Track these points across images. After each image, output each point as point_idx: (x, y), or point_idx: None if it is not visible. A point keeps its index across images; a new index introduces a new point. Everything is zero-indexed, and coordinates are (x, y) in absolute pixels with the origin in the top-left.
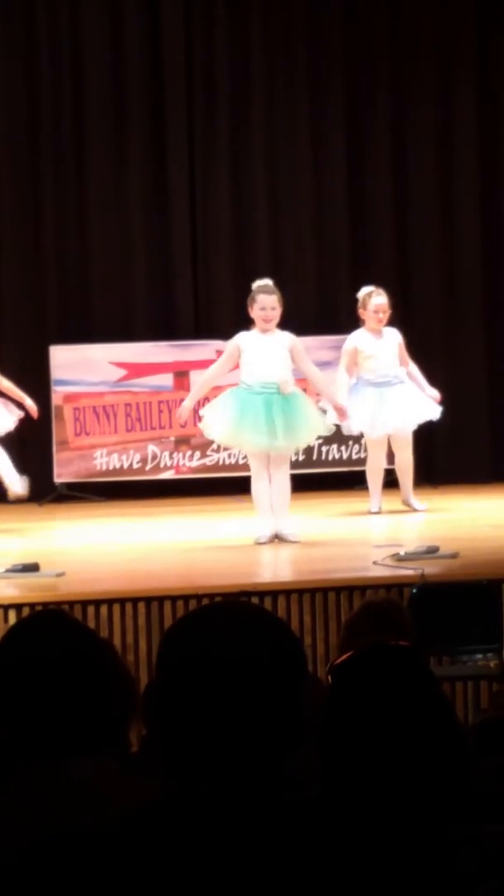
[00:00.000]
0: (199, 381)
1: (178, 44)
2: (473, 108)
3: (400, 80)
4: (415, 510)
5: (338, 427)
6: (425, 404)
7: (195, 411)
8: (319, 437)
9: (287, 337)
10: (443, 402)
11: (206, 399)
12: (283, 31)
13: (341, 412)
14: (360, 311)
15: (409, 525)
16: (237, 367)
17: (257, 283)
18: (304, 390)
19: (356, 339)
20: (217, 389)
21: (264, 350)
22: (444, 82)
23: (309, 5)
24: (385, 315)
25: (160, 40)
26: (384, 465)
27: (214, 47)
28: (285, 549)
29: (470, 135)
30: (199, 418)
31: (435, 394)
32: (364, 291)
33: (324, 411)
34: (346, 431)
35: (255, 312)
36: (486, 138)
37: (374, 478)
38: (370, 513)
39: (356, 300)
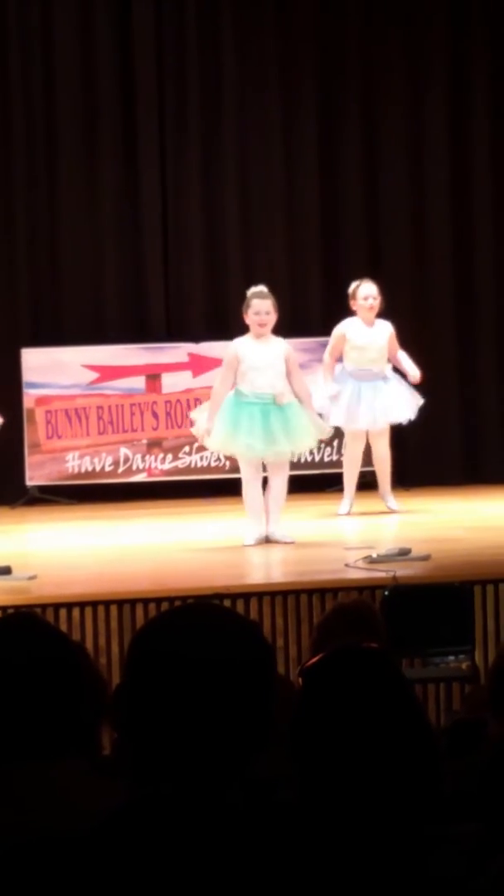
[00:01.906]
0: (213, 398)
1: (149, 48)
2: (445, 112)
3: (372, 83)
4: (390, 510)
5: None
6: (401, 405)
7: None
8: (320, 442)
9: (282, 345)
10: (422, 386)
11: (198, 401)
12: (254, 33)
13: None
14: (352, 302)
15: (381, 527)
16: None
17: (252, 290)
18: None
19: (346, 327)
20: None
21: (260, 360)
22: (416, 86)
23: (280, 9)
24: (375, 302)
25: (131, 42)
26: (360, 458)
27: (186, 50)
28: (258, 551)
29: (441, 140)
30: (191, 423)
31: (416, 374)
32: (353, 284)
33: (320, 415)
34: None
35: (249, 318)
36: (458, 143)
37: (350, 471)
38: (338, 515)
39: (329, 303)
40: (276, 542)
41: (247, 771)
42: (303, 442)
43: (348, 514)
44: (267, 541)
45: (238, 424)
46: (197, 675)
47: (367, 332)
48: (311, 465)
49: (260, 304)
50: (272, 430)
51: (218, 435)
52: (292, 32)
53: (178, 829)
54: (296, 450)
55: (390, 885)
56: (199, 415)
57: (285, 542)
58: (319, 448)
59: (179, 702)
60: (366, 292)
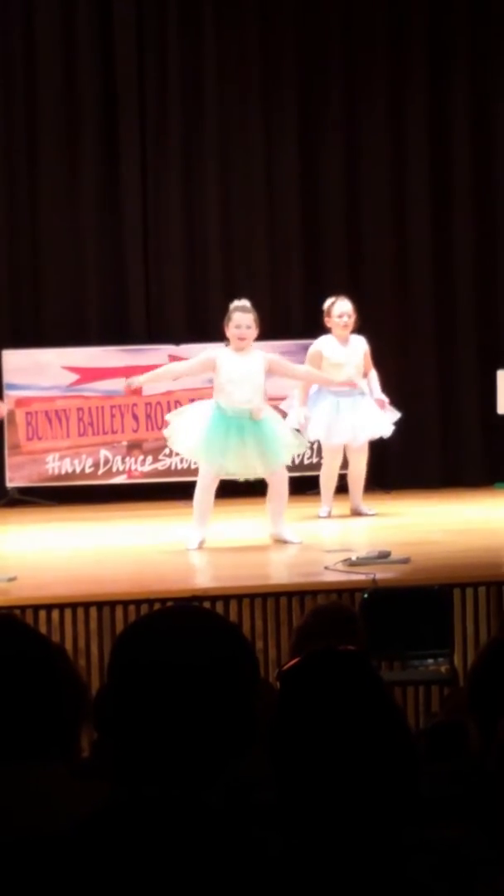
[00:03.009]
0: (165, 367)
1: (130, 51)
2: (425, 112)
3: (353, 84)
4: (364, 514)
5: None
6: (379, 420)
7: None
8: (298, 455)
9: (261, 357)
10: (396, 407)
11: (178, 403)
12: (236, 39)
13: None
14: (326, 319)
15: (360, 530)
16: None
17: (235, 303)
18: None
19: (322, 345)
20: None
21: (239, 373)
22: (397, 86)
23: (262, 9)
24: (350, 319)
25: (112, 46)
26: (337, 472)
27: (167, 52)
28: (237, 553)
29: (422, 149)
30: (165, 423)
31: (383, 398)
32: (328, 301)
33: (297, 430)
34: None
35: (230, 331)
36: (439, 152)
37: (327, 483)
38: (319, 517)
39: (309, 306)
40: (287, 542)
41: (229, 773)
42: (276, 460)
43: (328, 516)
44: (277, 541)
45: (212, 440)
46: (177, 678)
47: (342, 349)
48: (291, 467)
49: (241, 318)
50: (246, 449)
51: (189, 442)
52: (273, 39)
53: (158, 831)
54: (269, 469)
55: (367, 888)
56: (174, 417)
57: (294, 542)
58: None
59: (160, 704)
60: (340, 310)
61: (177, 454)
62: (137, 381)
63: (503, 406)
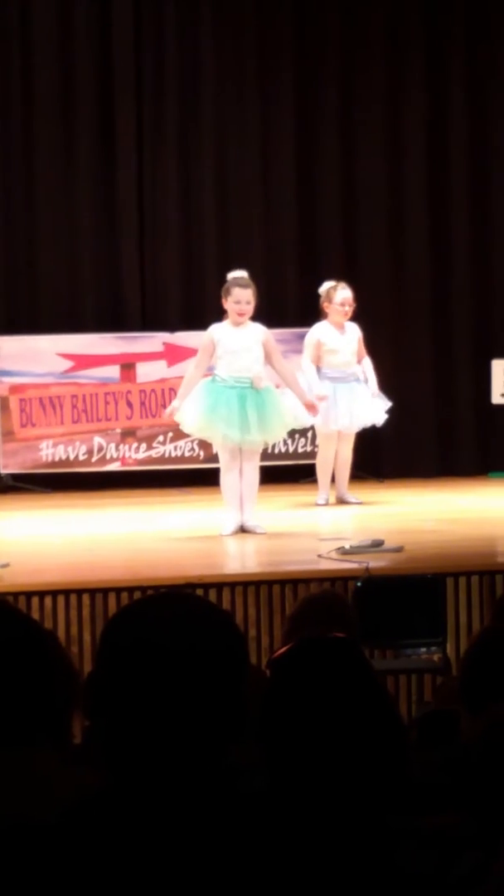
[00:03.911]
0: (185, 380)
1: (127, 37)
2: (422, 104)
3: (350, 75)
4: (349, 503)
5: None
6: (374, 408)
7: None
8: (295, 431)
9: (261, 330)
10: (390, 396)
11: (173, 391)
12: (233, 28)
13: (311, 408)
14: (325, 304)
15: (354, 518)
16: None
17: (232, 275)
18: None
19: (319, 332)
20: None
21: (238, 344)
22: (394, 78)
23: (259, 6)
24: (350, 308)
25: (109, 32)
26: (333, 458)
27: (164, 41)
28: (231, 541)
29: (419, 134)
30: (172, 411)
31: (375, 390)
32: (327, 285)
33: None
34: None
35: (228, 305)
36: (436, 130)
37: (324, 470)
38: (317, 505)
39: (305, 294)
40: (250, 531)
41: (219, 760)
42: (276, 431)
43: (326, 503)
44: (242, 530)
45: (216, 412)
46: (169, 664)
47: (339, 336)
48: (286, 455)
49: (241, 294)
50: (248, 417)
51: (195, 420)
52: (271, 27)
53: (148, 818)
54: (269, 439)
55: (356, 874)
56: (181, 402)
57: (258, 533)
58: (293, 439)
59: (151, 690)
60: (343, 297)
61: (171, 441)
62: (174, 405)
63: (497, 396)
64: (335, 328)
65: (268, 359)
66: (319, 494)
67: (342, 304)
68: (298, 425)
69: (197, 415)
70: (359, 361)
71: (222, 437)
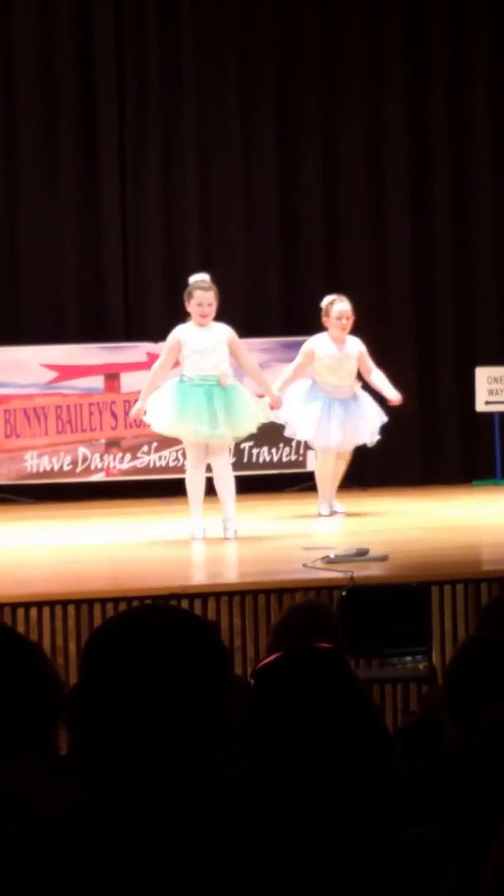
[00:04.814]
0: (147, 379)
1: (108, 43)
2: (404, 108)
3: (331, 81)
4: (335, 512)
5: (272, 430)
6: (369, 425)
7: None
8: (261, 426)
9: (225, 330)
10: (405, 405)
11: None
12: (214, 31)
13: (275, 402)
14: (324, 318)
15: (339, 527)
16: (178, 364)
17: (194, 279)
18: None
19: (316, 343)
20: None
21: (203, 343)
22: (375, 82)
23: (240, 8)
24: (349, 321)
25: (91, 37)
26: (332, 467)
27: (146, 46)
28: (215, 550)
29: (400, 138)
30: (143, 410)
31: (396, 396)
32: (327, 299)
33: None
34: (288, 433)
35: (191, 308)
36: (418, 135)
37: (322, 481)
38: (320, 515)
39: (288, 304)
40: (224, 530)
41: (202, 771)
42: (246, 425)
43: (330, 514)
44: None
45: (185, 409)
46: (151, 676)
47: (337, 351)
48: (270, 464)
49: (203, 296)
50: (216, 413)
51: (165, 419)
52: (252, 30)
53: (133, 830)
54: (237, 434)
55: (342, 885)
56: (150, 403)
57: (228, 538)
58: (278, 448)
59: (134, 702)
60: (339, 311)
61: (155, 451)
62: (136, 409)
63: (481, 403)
64: (334, 342)
65: (233, 356)
66: (321, 505)
67: (339, 318)
68: (266, 420)
69: (167, 414)
70: (367, 377)
71: (193, 433)
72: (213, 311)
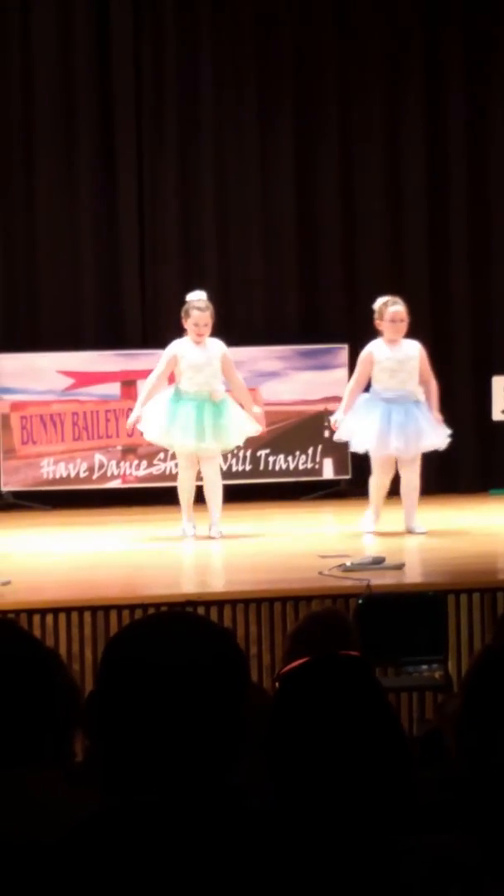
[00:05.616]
0: (143, 389)
1: (127, 56)
2: (421, 123)
3: (349, 93)
4: (415, 533)
5: (288, 438)
6: (434, 431)
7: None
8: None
9: (218, 347)
10: (447, 424)
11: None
12: (232, 43)
13: (259, 419)
14: (377, 322)
15: (355, 536)
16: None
17: (191, 297)
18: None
19: (373, 347)
20: None
21: (199, 360)
22: (393, 91)
23: (257, 18)
24: (403, 323)
25: (109, 50)
26: (387, 486)
27: (164, 60)
28: (231, 558)
29: (417, 142)
30: (139, 418)
31: (438, 416)
32: (380, 301)
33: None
34: (352, 448)
35: (188, 325)
36: (435, 143)
37: (374, 495)
38: (364, 532)
39: (304, 312)
40: (209, 530)
41: (220, 779)
42: (232, 438)
43: (372, 531)
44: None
45: (174, 422)
46: (169, 683)
47: (394, 354)
48: (287, 472)
49: (199, 317)
50: (204, 427)
51: (155, 429)
52: (270, 42)
53: (150, 838)
54: (226, 446)
55: (361, 893)
56: (143, 410)
57: (213, 536)
58: (294, 455)
59: (151, 710)
60: (394, 314)
61: (171, 459)
62: (133, 418)
63: (498, 412)
64: (389, 345)
65: (224, 373)
66: (366, 519)
67: (392, 321)
68: (254, 433)
69: (157, 425)
70: (421, 382)
71: (180, 445)
72: (208, 330)
